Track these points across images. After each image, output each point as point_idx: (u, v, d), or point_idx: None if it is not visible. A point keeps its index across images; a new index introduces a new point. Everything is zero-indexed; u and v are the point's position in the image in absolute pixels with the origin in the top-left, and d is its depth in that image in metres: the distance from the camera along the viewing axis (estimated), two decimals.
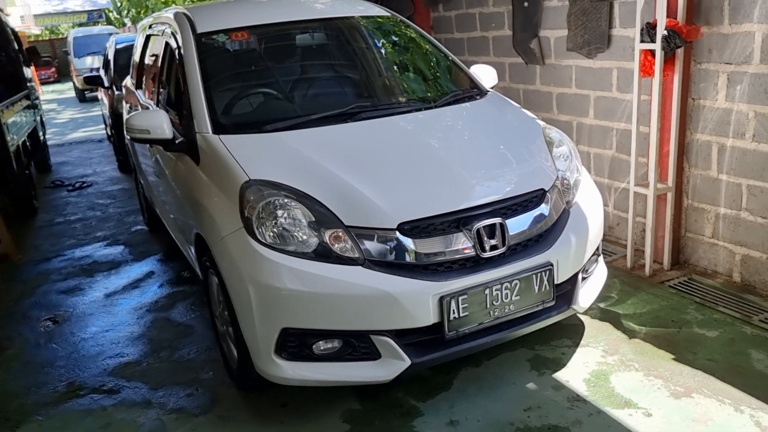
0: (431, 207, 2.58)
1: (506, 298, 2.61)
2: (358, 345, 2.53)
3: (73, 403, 3.08)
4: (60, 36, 36.55)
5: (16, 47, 8.19)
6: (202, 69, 3.32)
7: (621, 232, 4.32)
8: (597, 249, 3.05)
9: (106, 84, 8.50)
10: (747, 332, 3.13)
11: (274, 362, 2.56)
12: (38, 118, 8.75)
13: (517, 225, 2.68)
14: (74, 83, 20.84)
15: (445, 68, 3.87)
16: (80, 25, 32.74)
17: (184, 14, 3.72)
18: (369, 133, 3.06)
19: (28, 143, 7.44)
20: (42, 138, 8.92)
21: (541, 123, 3.35)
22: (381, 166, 2.82)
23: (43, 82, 27.64)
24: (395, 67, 3.96)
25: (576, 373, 2.91)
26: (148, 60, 4.74)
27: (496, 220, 2.61)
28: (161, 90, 4.10)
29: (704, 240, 3.77)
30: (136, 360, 3.44)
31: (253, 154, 2.85)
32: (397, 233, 2.51)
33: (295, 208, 2.57)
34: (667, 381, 2.80)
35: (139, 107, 4.71)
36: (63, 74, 29.25)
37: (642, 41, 3.58)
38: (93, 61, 18.30)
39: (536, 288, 2.67)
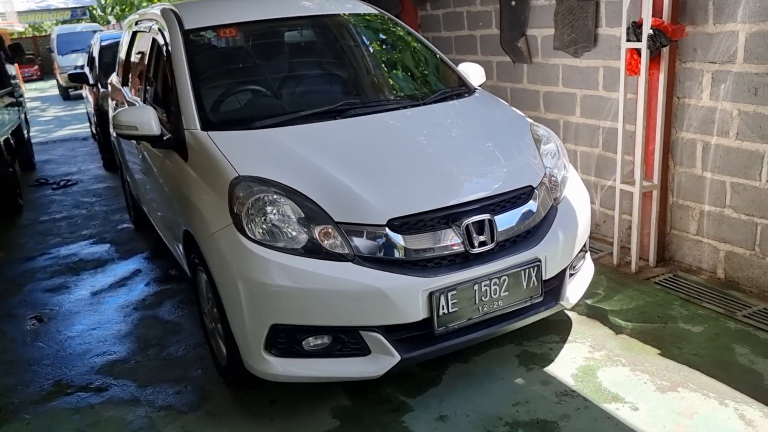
0: (421, 203, 2.59)
1: (495, 294, 2.63)
2: (347, 341, 2.54)
3: (60, 401, 3.06)
4: (43, 33, 36.15)
5: None
6: (190, 65, 3.30)
7: (607, 230, 4.36)
8: (584, 245, 3.08)
9: (91, 81, 8.43)
10: (731, 327, 3.17)
11: (264, 359, 2.56)
12: (22, 115, 8.66)
13: (506, 221, 2.70)
14: (58, 81, 20.63)
15: (434, 66, 3.88)
16: (64, 22, 32.37)
17: (172, 10, 3.70)
18: (358, 130, 3.07)
19: (11, 141, 7.36)
20: (26, 136, 8.84)
21: (529, 120, 3.38)
22: (370, 162, 2.83)
23: (26, 80, 27.31)
24: (384, 65, 3.97)
25: (563, 368, 2.94)
26: (134, 57, 4.72)
27: (485, 217, 2.63)
28: (148, 87, 4.08)
29: (689, 237, 3.82)
30: (124, 358, 3.42)
31: (243, 151, 2.84)
32: (387, 229, 2.52)
33: (285, 204, 2.57)
34: (653, 375, 2.83)
35: (126, 104, 4.67)
36: (46, 72, 28.93)
37: (628, 40, 3.62)
38: (77, 59, 18.12)
39: (524, 284, 2.69)
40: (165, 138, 3.24)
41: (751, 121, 3.34)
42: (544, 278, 2.75)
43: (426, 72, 3.89)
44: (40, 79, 29.46)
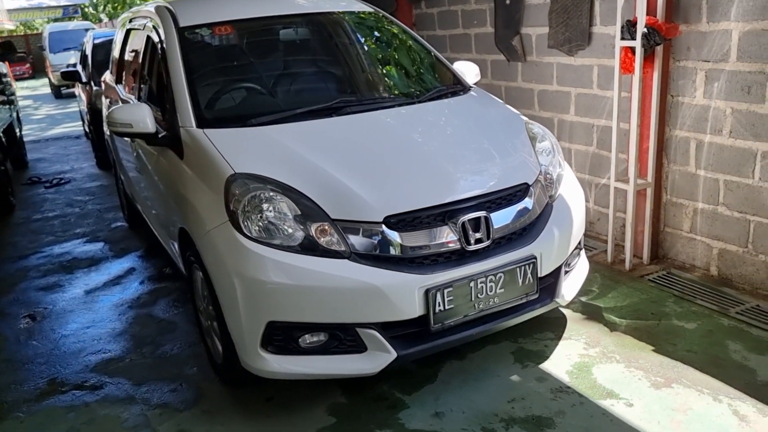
0: (417, 200, 2.60)
1: (491, 291, 2.64)
2: (344, 338, 2.54)
3: (55, 399, 3.05)
4: (35, 31, 35.93)
5: None
6: (185, 63, 3.29)
7: (602, 228, 4.38)
8: (579, 243, 3.10)
9: (84, 79, 8.38)
10: (724, 324, 3.20)
11: (260, 356, 2.56)
12: (14, 114, 8.61)
13: (502, 219, 2.71)
14: (50, 79, 20.51)
15: (429, 64, 3.89)
16: (55, 20, 32.16)
17: (166, 8, 3.69)
18: (354, 128, 3.08)
19: (3, 139, 7.31)
20: (18, 134, 8.78)
21: (524, 118, 3.39)
22: (366, 160, 2.83)
23: (17, 78, 27.09)
24: (379, 63, 3.97)
25: (559, 365, 2.95)
26: (128, 54, 4.70)
27: (481, 214, 2.64)
28: (142, 84, 4.06)
29: (682, 234, 3.84)
30: (119, 356, 3.41)
31: (238, 148, 2.84)
32: (383, 226, 2.53)
33: (281, 201, 2.57)
34: (647, 372, 2.85)
35: (120, 102, 4.66)
36: (38, 70, 28.75)
37: (622, 39, 3.64)
38: (69, 57, 18.02)
39: (520, 281, 2.71)
40: (160, 136, 3.23)
41: (744, 119, 3.36)
42: (539, 275, 2.76)
43: (421, 70, 3.89)
44: (32, 77, 29.26)
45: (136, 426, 2.79)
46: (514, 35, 4.80)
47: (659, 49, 3.59)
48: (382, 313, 2.49)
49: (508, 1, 4.80)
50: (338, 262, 2.49)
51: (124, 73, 4.84)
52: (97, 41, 8.59)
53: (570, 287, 2.99)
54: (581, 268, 3.17)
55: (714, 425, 2.48)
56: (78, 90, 10.04)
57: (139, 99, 4.09)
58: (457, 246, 2.59)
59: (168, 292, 4.16)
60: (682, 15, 3.55)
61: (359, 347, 2.55)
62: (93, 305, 4.09)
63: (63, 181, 7.78)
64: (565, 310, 3.40)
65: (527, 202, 2.81)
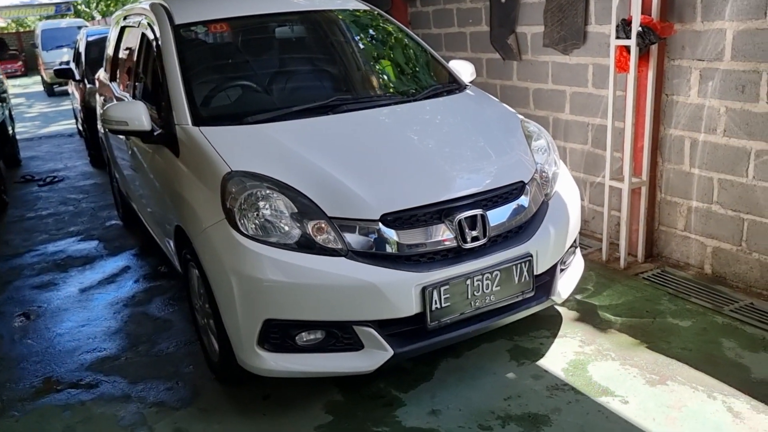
0: (413, 198, 2.60)
1: (487, 289, 2.65)
2: (341, 336, 2.55)
3: (50, 398, 3.04)
4: (27, 29, 35.73)
5: None
6: (180, 61, 3.28)
7: (596, 226, 4.40)
8: (575, 241, 3.11)
9: (78, 77, 8.35)
10: (718, 322, 3.21)
11: (257, 354, 2.56)
12: (6, 111, 8.56)
13: (498, 216, 2.72)
14: (43, 77, 20.39)
15: (424, 62, 3.89)
16: (48, 17, 31.99)
17: (161, 5, 3.67)
18: (351, 126, 3.08)
19: None
20: (11, 132, 8.73)
21: (520, 117, 3.40)
22: (363, 157, 2.83)
23: (10, 76, 26.95)
24: (375, 61, 3.98)
25: (554, 362, 2.96)
26: (123, 52, 4.68)
27: (477, 212, 2.64)
28: (137, 82, 4.06)
29: (677, 233, 3.86)
30: (114, 354, 3.40)
31: (235, 146, 2.84)
32: (380, 224, 2.53)
33: (278, 199, 2.57)
34: (642, 369, 2.86)
35: (114, 100, 4.64)
36: (30, 68, 28.59)
37: (617, 37, 3.65)
38: (62, 55, 17.92)
39: (516, 279, 2.71)
40: (156, 133, 3.22)
41: (738, 118, 3.38)
42: (535, 273, 2.77)
43: (417, 68, 3.90)
44: (24, 75, 29.09)
45: (133, 424, 2.79)
46: (509, 34, 4.81)
47: (654, 48, 3.60)
48: (379, 310, 2.50)
49: (503, 0, 4.80)
50: (335, 259, 2.49)
51: (118, 71, 4.83)
52: (90, 39, 8.55)
53: (565, 285, 3.01)
54: (577, 266, 3.19)
55: (708, 422, 2.50)
56: (71, 88, 9.99)
57: (133, 97, 4.08)
58: (454, 244, 2.60)
59: (163, 290, 4.15)
60: (677, 14, 3.56)
61: (356, 345, 2.55)
62: (88, 303, 4.08)
63: (56, 179, 7.75)
64: (560, 308, 3.41)
65: (523, 201, 2.82)
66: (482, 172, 2.89)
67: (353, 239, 2.53)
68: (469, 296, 2.62)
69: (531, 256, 2.73)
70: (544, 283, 2.88)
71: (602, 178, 4.12)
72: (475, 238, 2.62)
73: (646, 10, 3.54)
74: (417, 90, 3.56)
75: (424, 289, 2.51)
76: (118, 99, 4.51)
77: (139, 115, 3.17)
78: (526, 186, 2.86)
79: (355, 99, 3.42)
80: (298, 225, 2.53)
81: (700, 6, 3.44)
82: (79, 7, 33.49)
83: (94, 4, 32.70)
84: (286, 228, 2.53)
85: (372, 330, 2.52)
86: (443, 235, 2.60)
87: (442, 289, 2.54)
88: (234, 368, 2.73)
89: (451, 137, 3.12)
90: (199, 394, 2.95)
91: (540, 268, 2.79)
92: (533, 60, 4.70)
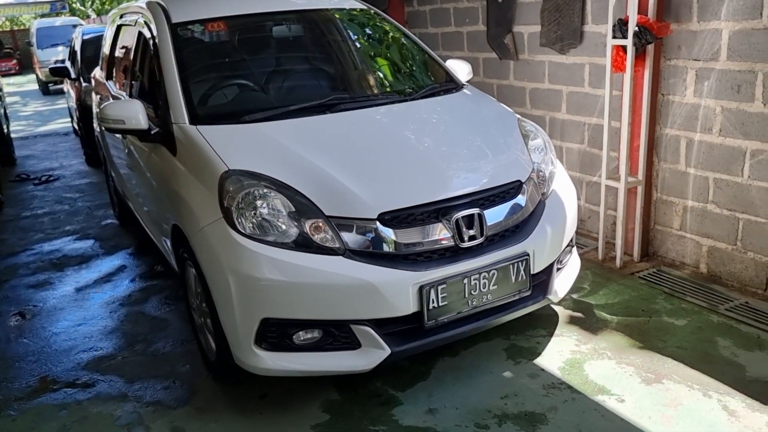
0: (411, 197, 2.61)
1: (484, 288, 2.65)
2: (338, 335, 2.55)
3: (46, 397, 3.03)
4: (21, 27, 35.59)
5: None
6: (178, 59, 3.28)
7: (592, 225, 4.41)
8: (571, 240, 3.12)
9: (73, 76, 8.32)
10: (714, 321, 3.23)
11: (254, 353, 2.56)
12: (1, 110, 8.54)
13: (495, 216, 2.73)
14: (38, 75, 20.31)
15: (422, 62, 3.89)
16: (42, 15, 31.86)
17: (158, 4, 3.66)
18: (348, 125, 3.08)
19: None
20: (6, 130, 8.71)
21: (517, 116, 3.40)
22: (360, 156, 2.83)
23: (4, 74, 26.89)
24: (372, 60, 3.98)
25: (551, 361, 2.97)
26: (119, 51, 4.67)
27: (475, 211, 2.65)
28: (134, 81, 4.05)
29: (672, 232, 3.88)
30: (111, 354, 3.39)
31: (232, 145, 2.84)
32: (378, 223, 2.54)
33: (275, 198, 2.57)
34: (638, 368, 2.87)
35: (111, 98, 4.63)
36: (25, 66, 28.49)
37: (614, 37, 3.66)
38: (57, 53, 17.87)
39: (513, 278, 2.72)
40: (153, 132, 3.22)
41: (734, 117, 3.40)
42: (532, 272, 2.78)
43: (414, 67, 3.90)
44: (19, 73, 28.99)
45: (129, 424, 2.78)
46: (506, 33, 4.82)
47: (650, 47, 3.61)
48: (376, 309, 2.50)
49: (500, 0, 4.81)
50: (332, 258, 2.49)
51: (114, 70, 4.82)
52: (86, 37, 8.53)
53: (562, 284, 3.01)
54: (573, 265, 3.19)
55: (704, 420, 2.51)
56: (67, 86, 9.96)
57: (130, 95, 4.07)
58: (451, 243, 2.60)
59: (159, 289, 4.14)
60: (673, 14, 3.58)
61: (353, 344, 2.55)
62: (84, 303, 4.07)
63: (52, 178, 7.72)
64: (557, 307, 3.42)
65: (520, 200, 2.83)
66: (479, 171, 2.89)
67: (351, 238, 2.53)
68: (466, 295, 2.62)
69: (528, 255, 2.74)
70: (541, 282, 2.89)
71: (598, 178, 4.13)
72: (472, 237, 2.63)
73: (642, 10, 3.56)
74: (414, 89, 3.57)
75: (421, 288, 2.51)
76: (115, 98, 4.50)
77: (136, 113, 3.16)
78: (523, 185, 2.86)
79: (352, 98, 3.42)
80: (296, 224, 2.53)
81: (696, 6, 3.46)
82: (74, 5, 33.37)
83: (89, 3, 32.60)
84: (284, 227, 2.54)
85: (369, 329, 2.52)
86: (440, 234, 2.60)
87: (440, 288, 2.55)
88: (231, 367, 2.73)
89: (449, 136, 3.13)
90: (196, 393, 2.95)
91: (537, 267, 2.80)
92: (530, 59, 4.71)
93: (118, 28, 4.74)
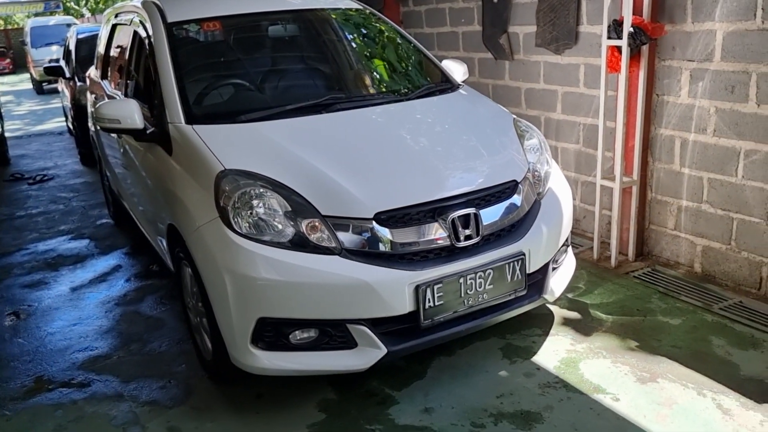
0: (407, 197, 2.61)
1: (480, 287, 2.66)
2: (334, 334, 2.55)
3: (42, 397, 3.03)
4: (15, 26, 35.43)
5: None
6: (173, 59, 3.28)
7: (587, 225, 4.43)
8: (566, 240, 3.13)
9: (68, 75, 8.29)
10: (708, 320, 3.25)
11: (251, 352, 2.56)
12: None
13: (491, 215, 2.74)
14: (32, 74, 20.24)
15: (417, 62, 3.90)
16: (36, 15, 31.72)
17: (154, 3, 3.66)
18: (344, 125, 3.08)
19: None
20: (0, 130, 8.67)
21: (512, 116, 3.41)
22: (356, 156, 2.84)
23: None
24: (368, 60, 3.98)
25: (546, 360, 2.98)
26: (114, 50, 4.66)
27: (471, 211, 2.66)
28: (129, 80, 4.04)
29: (667, 232, 3.89)
30: (106, 353, 3.39)
31: (228, 144, 2.84)
32: (374, 223, 2.54)
33: (271, 197, 2.58)
34: (633, 367, 2.89)
35: (106, 98, 4.62)
36: (19, 66, 28.37)
37: (609, 38, 3.67)
38: (52, 52, 17.80)
39: (509, 277, 2.73)
40: (148, 132, 3.21)
41: (728, 118, 3.42)
42: (527, 272, 2.79)
43: (410, 68, 3.91)
44: (13, 72, 28.88)
45: (125, 423, 2.78)
46: (501, 34, 4.83)
47: (645, 48, 3.63)
48: (373, 309, 2.51)
49: (495, 0, 4.82)
50: (329, 258, 2.50)
51: (109, 69, 4.81)
52: (80, 36, 8.50)
53: (557, 284, 3.02)
54: (568, 264, 3.21)
55: (698, 419, 2.53)
56: (61, 86, 9.93)
57: (125, 95, 4.07)
58: (447, 242, 2.61)
59: (155, 289, 4.14)
60: (668, 15, 3.59)
61: (349, 343, 2.56)
62: (79, 302, 4.06)
63: (46, 177, 7.69)
64: (552, 307, 3.43)
65: (516, 199, 2.84)
66: (475, 171, 2.90)
67: (347, 238, 2.53)
68: (462, 294, 2.63)
69: (523, 254, 2.75)
70: (537, 281, 2.90)
71: (593, 178, 4.15)
72: (468, 237, 2.64)
73: (637, 10, 3.57)
74: (410, 89, 3.57)
75: (417, 288, 2.52)
76: (110, 97, 4.49)
77: (131, 113, 3.16)
78: (519, 185, 2.87)
79: (348, 98, 3.42)
80: (292, 223, 2.53)
81: (691, 7, 3.47)
82: (68, 4, 33.24)
83: (84, 2, 32.48)
84: (280, 226, 2.54)
85: (365, 328, 2.52)
86: (436, 233, 2.61)
87: (436, 287, 2.55)
88: (227, 367, 2.73)
89: (444, 136, 3.14)
90: (192, 393, 2.95)
91: (532, 266, 2.81)
92: (525, 60, 4.72)
93: (114, 27, 4.73)
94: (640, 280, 3.73)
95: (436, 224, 2.61)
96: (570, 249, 3.28)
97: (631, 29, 3.53)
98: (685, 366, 2.86)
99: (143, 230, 4.13)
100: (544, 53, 4.52)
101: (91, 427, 2.79)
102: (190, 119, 3.03)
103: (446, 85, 3.64)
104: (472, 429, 2.56)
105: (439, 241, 2.61)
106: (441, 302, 2.58)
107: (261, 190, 2.59)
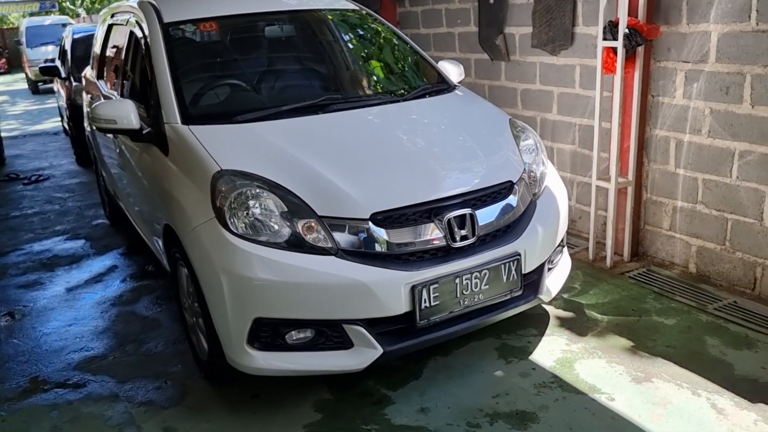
0: (403, 197, 2.62)
1: (476, 288, 2.67)
2: (330, 334, 2.56)
3: (37, 397, 3.02)
4: (10, 26, 35.30)
5: None
6: (169, 59, 3.27)
7: (583, 225, 4.44)
8: (562, 240, 3.14)
9: (63, 75, 8.28)
10: (702, 320, 3.26)
11: (247, 353, 2.56)
12: None
13: (486, 216, 2.75)
14: (27, 74, 20.16)
15: (414, 62, 3.91)
16: (32, 14, 31.62)
17: (150, 3, 3.66)
18: (340, 125, 3.09)
19: None
20: None
21: (508, 117, 3.42)
22: (353, 157, 2.84)
23: None
24: (364, 61, 3.99)
25: (542, 360, 2.99)
26: (110, 50, 4.66)
27: (466, 211, 2.66)
28: (125, 80, 4.04)
29: (662, 232, 3.91)
30: (102, 354, 3.38)
31: (224, 145, 2.84)
32: (370, 223, 2.54)
33: (268, 198, 2.58)
34: (628, 367, 2.90)
35: (102, 98, 4.61)
36: (14, 65, 28.28)
37: (604, 39, 3.69)
38: (47, 52, 17.75)
39: (504, 277, 2.74)
40: (144, 132, 3.21)
41: (723, 119, 3.43)
42: (523, 272, 2.80)
43: (406, 68, 3.92)
44: (8, 72, 28.77)
45: (121, 424, 2.78)
46: (497, 34, 4.84)
47: (640, 49, 3.64)
48: (369, 309, 2.51)
49: (491, 1, 4.83)
50: (325, 258, 2.50)
51: (105, 69, 4.80)
52: (76, 36, 8.49)
53: (553, 284, 3.04)
54: (564, 265, 3.22)
55: (693, 418, 2.54)
56: (57, 86, 9.90)
57: (121, 95, 4.06)
58: (443, 243, 2.62)
59: (151, 289, 4.13)
60: (663, 16, 3.61)
61: (345, 343, 2.56)
62: (74, 303, 4.05)
63: (42, 177, 7.67)
64: (548, 307, 3.44)
65: (512, 200, 2.85)
66: (471, 171, 2.91)
67: (343, 238, 2.54)
68: (458, 295, 2.64)
69: (519, 255, 2.76)
70: (532, 281, 2.91)
71: (589, 178, 4.16)
72: (464, 237, 2.64)
73: (632, 12, 3.59)
74: (406, 90, 3.58)
75: (413, 288, 2.53)
76: (106, 97, 4.48)
77: (127, 113, 3.16)
78: (515, 185, 2.88)
79: (344, 98, 3.43)
80: (288, 224, 2.54)
81: (686, 8, 3.49)
82: (64, 4, 33.15)
83: (80, 1, 32.40)
84: (276, 227, 2.54)
85: (361, 328, 2.53)
86: (432, 234, 2.61)
87: (432, 287, 2.56)
88: (223, 367, 2.73)
89: (440, 137, 3.14)
90: (188, 393, 2.95)
91: (528, 267, 2.82)
92: (521, 60, 4.73)
93: (110, 27, 4.73)
94: (635, 281, 3.74)
95: (432, 225, 2.61)
96: (565, 249, 3.30)
97: (627, 30, 3.54)
98: (680, 366, 2.88)
99: (139, 230, 4.13)
100: (540, 54, 4.53)
101: (87, 428, 2.78)
102: (187, 119, 3.03)
103: (442, 85, 3.64)
104: (467, 429, 2.57)
105: (435, 242, 2.62)
106: (437, 302, 2.58)
107: (257, 190, 2.59)
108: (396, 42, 3.95)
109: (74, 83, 7.62)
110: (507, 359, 3.02)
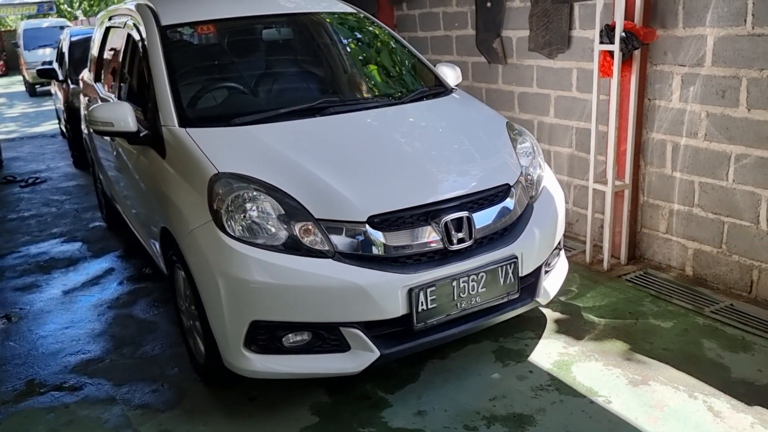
0: (400, 200, 2.62)
1: (473, 290, 2.67)
2: (327, 337, 2.55)
3: (33, 400, 3.01)
4: (8, 28, 35.28)
5: None
6: (167, 62, 3.28)
7: (580, 228, 4.44)
8: (559, 243, 3.14)
9: (61, 77, 8.27)
10: (699, 323, 3.27)
11: (244, 355, 2.56)
12: None
13: (483, 219, 2.75)
14: (24, 77, 20.13)
15: (411, 65, 3.91)
16: (29, 17, 31.59)
17: (148, 6, 3.66)
18: (338, 128, 3.09)
19: None
20: None
21: (505, 120, 3.43)
22: (350, 160, 2.84)
23: None
24: (362, 64, 3.99)
25: (539, 363, 2.99)
26: (108, 53, 4.66)
27: (463, 214, 2.67)
28: (122, 83, 4.04)
29: (659, 235, 3.92)
30: (99, 357, 3.37)
31: (222, 148, 2.84)
32: (367, 226, 2.55)
33: (265, 201, 2.58)
34: (625, 370, 2.90)
35: (99, 100, 4.61)
36: (11, 68, 28.25)
37: (601, 42, 3.70)
38: (45, 55, 17.74)
39: (501, 280, 2.74)
40: (142, 135, 3.21)
41: (719, 122, 3.44)
42: (520, 275, 2.80)
43: (404, 71, 3.92)
44: (5, 74, 28.74)
45: (117, 427, 2.77)
46: (494, 38, 4.85)
47: (637, 53, 3.66)
48: (366, 312, 2.51)
49: (489, 4, 4.84)
50: (322, 261, 2.50)
51: (103, 72, 4.80)
52: (74, 39, 8.49)
53: (550, 287, 3.04)
54: (561, 267, 3.22)
55: (690, 421, 2.54)
56: (54, 88, 9.89)
57: (119, 98, 4.06)
58: (440, 246, 2.62)
59: (148, 292, 4.13)
60: (659, 20, 3.62)
61: (342, 346, 2.56)
62: (71, 306, 4.04)
63: (39, 180, 7.66)
64: (545, 310, 3.44)
65: (508, 203, 2.85)
66: (468, 174, 2.91)
67: (340, 241, 2.54)
68: (455, 298, 2.64)
69: (516, 257, 2.76)
70: (529, 284, 2.92)
71: (586, 181, 4.17)
72: (461, 240, 2.65)
73: (629, 15, 3.60)
74: (403, 93, 3.58)
75: (410, 291, 2.53)
76: (103, 100, 4.48)
77: (125, 116, 3.15)
78: (512, 188, 2.89)
79: (342, 101, 3.43)
80: (285, 227, 2.54)
81: (682, 12, 3.50)
82: (61, 6, 33.14)
83: (77, 4, 32.39)
84: (273, 230, 2.54)
85: (359, 331, 2.53)
86: (429, 236, 2.62)
87: (429, 290, 2.56)
88: (220, 370, 2.73)
89: (438, 140, 3.15)
90: (185, 396, 2.94)
91: (525, 269, 2.82)
92: (518, 64, 4.74)
93: (107, 30, 4.73)
94: (632, 283, 3.75)
95: (429, 227, 2.62)
96: (562, 252, 3.30)
97: (623, 34, 3.56)
98: (677, 369, 2.88)
99: (136, 233, 4.12)
100: (537, 57, 4.54)
101: (83, 431, 2.78)
102: (184, 122, 3.03)
103: (439, 89, 3.65)
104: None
105: (432, 245, 2.62)
106: (434, 305, 2.58)
107: (254, 193, 2.59)
108: (393, 45, 3.95)
109: (71, 86, 7.62)
110: (504, 362, 3.02)
